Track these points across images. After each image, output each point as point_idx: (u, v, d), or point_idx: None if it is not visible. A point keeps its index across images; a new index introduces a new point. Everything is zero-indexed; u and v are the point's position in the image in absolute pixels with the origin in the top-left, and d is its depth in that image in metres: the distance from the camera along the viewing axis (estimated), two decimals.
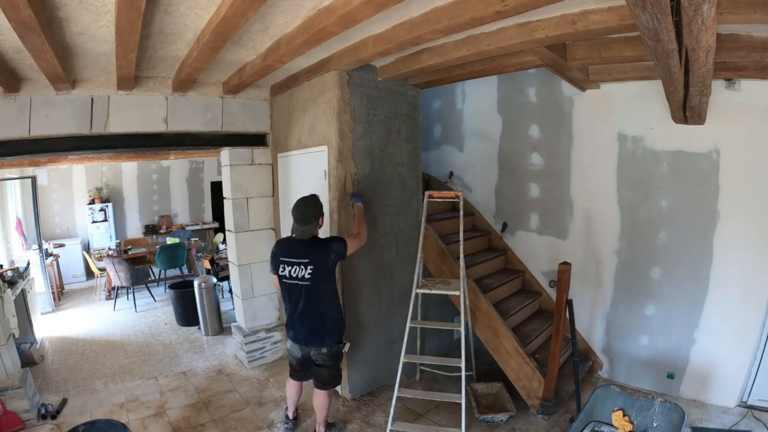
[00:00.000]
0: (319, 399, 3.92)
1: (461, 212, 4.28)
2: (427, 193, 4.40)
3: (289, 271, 3.55)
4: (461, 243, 4.16)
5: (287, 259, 3.57)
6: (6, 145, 4.10)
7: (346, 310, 4.46)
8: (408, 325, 4.14)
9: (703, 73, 2.58)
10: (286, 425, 4.17)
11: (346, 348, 3.90)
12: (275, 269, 3.66)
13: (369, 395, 4.76)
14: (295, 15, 2.98)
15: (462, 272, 4.21)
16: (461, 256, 4.19)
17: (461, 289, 4.20)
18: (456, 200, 4.46)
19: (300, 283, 3.55)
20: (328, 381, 3.85)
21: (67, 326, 7.21)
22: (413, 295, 4.25)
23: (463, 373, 3.93)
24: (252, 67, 4.07)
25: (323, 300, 3.64)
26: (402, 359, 4.08)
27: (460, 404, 3.84)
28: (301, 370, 3.92)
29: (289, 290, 3.64)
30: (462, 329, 4.12)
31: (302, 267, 3.52)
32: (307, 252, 3.54)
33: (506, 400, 4.47)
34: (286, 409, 4.21)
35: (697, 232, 4.34)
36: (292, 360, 3.91)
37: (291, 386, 4.06)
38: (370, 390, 4.82)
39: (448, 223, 5.45)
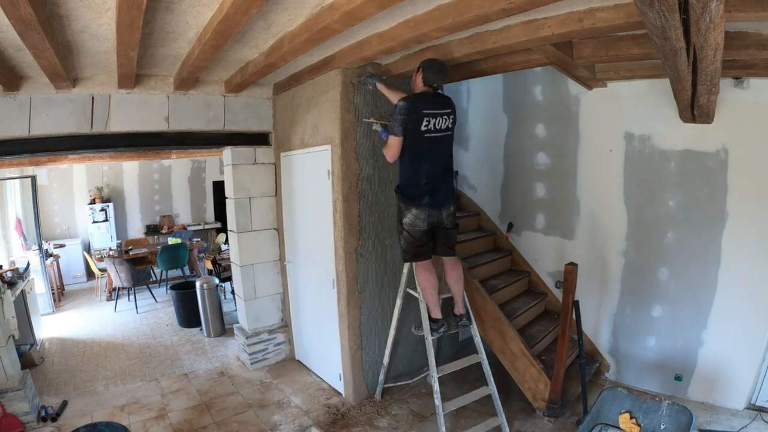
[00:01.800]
0: (458, 269, 3.90)
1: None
2: None
3: (434, 124, 3.47)
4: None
5: (432, 110, 3.46)
6: (6, 145, 4.08)
7: (349, 309, 4.44)
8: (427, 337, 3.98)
9: (711, 72, 2.55)
10: (443, 328, 3.96)
11: None
12: (415, 124, 3.43)
13: (371, 398, 4.72)
14: (299, 12, 2.96)
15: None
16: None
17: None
18: None
19: (444, 134, 3.55)
20: (451, 246, 3.83)
21: (67, 327, 7.18)
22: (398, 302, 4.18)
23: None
24: (254, 66, 4.04)
25: (451, 153, 3.73)
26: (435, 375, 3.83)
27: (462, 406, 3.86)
28: (426, 243, 3.74)
29: (432, 146, 3.54)
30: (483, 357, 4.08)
31: (445, 117, 3.53)
32: (446, 102, 3.59)
33: None
34: (429, 315, 3.93)
35: (705, 232, 4.30)
36: (419, 235, 3.67)
37: (429, 273, 3.83)
38: (373, 393, 4.77)
39: None
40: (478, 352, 4.05)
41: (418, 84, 3.59)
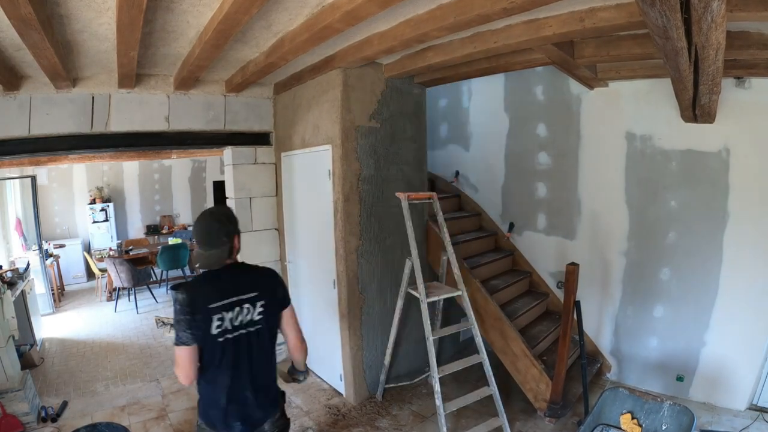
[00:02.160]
0: None
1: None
2: (406, 195, 4.09)
3: (231, 320, 2.23)
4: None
5: (225, 302, 2.22)
6: (6, 144, 4.06)
7: (349, 310, 4.43)
8: (429, 338, 3.96)
9: (713, 71, 2.55)
10: None
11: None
12: (203, 326, 2.16)
13: (372, 399, 4.70)
14: (299, 12, 2.96)
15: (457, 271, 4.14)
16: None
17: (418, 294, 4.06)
18: (429, 201, 4.34)
19: (249, 330, 2.30)
20: None
21: (67, 328, 7.16)
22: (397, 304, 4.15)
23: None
24: (255, 65, 4.04)
25: (270, 354, 2.49)
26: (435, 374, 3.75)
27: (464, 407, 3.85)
28: None
29: (226, 352, 2.24)
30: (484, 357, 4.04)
31: (249, 306, 2.30)
32: (254, 282, 2.37)
33: None
34: None
35: (707, 232, 4.29)
36: None
37: None
38: (374, 393, 4.75)
39: (453, 223, 5.40)
40: (479, 351, 4.02)
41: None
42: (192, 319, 2.14)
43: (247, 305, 2.29)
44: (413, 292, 4.14)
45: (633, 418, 3.16)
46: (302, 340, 2.60)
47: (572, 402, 4.33)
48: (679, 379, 4.52)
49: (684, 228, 4.43)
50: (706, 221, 4.28)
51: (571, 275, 3.91)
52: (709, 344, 4.36)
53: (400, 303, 4.43)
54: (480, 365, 4.04)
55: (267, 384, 2.45)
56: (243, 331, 2.28)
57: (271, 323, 2.41)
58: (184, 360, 2.17)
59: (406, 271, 4.29)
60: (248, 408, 2.33)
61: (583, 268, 4.14)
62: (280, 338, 2.50)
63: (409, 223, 3.99)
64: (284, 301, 2.48)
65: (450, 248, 4.17)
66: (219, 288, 2.24)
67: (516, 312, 4.82)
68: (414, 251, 4.00)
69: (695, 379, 4.46)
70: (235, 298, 2.25)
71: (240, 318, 2.26)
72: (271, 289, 2.41)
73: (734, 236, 4.16)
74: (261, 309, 2.33)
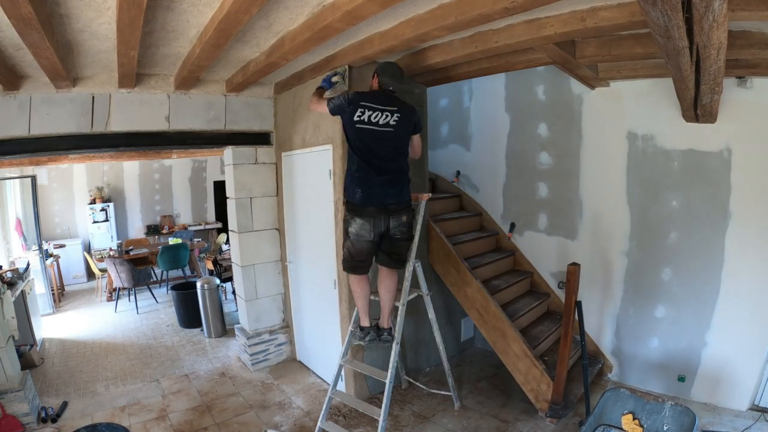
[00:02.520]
0: (393, 279, 3.71)
1: (420, 215, 3.94)
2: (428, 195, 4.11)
3: (371, 116, 3.33)
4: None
5: (373, 105, 3.35)
6: (6, 144, 4.06)
7: (350, 310, 4.41)
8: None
9: (715, 71, 2.54)
10: (368, 337, 3.80)
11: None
12: (349, 114, 3.33)
13: (375, 399, 4.67)
14: (300, 12, 2.96)
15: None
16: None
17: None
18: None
19: (383, 129, 3.38)
20: (404, 257, 3.70)
21: (67, 328, 7.16)
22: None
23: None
24: (256, 65, 4.03)
25: (401, 152, 3.53)
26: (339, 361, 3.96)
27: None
28: (370, 257, 3.60)
29: (366, 137, 3.37)
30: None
31: (388, 114, 3.37)
32: (395, 102, 3.45)
33: None
34: (357, 321, 3.89)
35: (709, 232, 4.27)
36: (362, 244, 3.48)
37: (363, 282, 3.69)
38: (376, 394, 4.74)
39: (455, 223, 5.39)
40: (388, 369, 3.67)
41: (373, 85, 3.60)
42: (344, 103, 3.34)
43: (386, 113, 3.38)
44: (417, 291, 4.17)
45: (634, 419, 3.16)
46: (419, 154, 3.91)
47: (573, 402, 4.31)
48: (681, 379, 4.51)
49: (685, 228, 4.41)
50: (708, 221, 4.27)
51: (572, 275, 3.89)
52: (711, 344, 4.34)
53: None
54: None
55: (396, 181, 3.49)
56: (378, 129, 3.37)
57: (400, 133, 3.47)
58: (317, 107, 3.61)
59: (407, 274, 4.17)
60: (373, 188, 3.38)
61: (585, 268, 4.12)
62: None
63: (418, 227, 3.91)
64: (416, 127, 3.63)
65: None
66: (372, 97, 3.40)
67: (517, 312, 4.80)
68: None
69: (697, 380, 4.44)
70: (378, 106, 3.36)
71: (379, 119, 3.36)
72: (409, 113, 3.51)
73: (736, 236, 4.14)
74: (395, 119, 3.41)
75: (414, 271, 3.90)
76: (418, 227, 3.87)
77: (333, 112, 3.44)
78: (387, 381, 3.61)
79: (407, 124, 3.49)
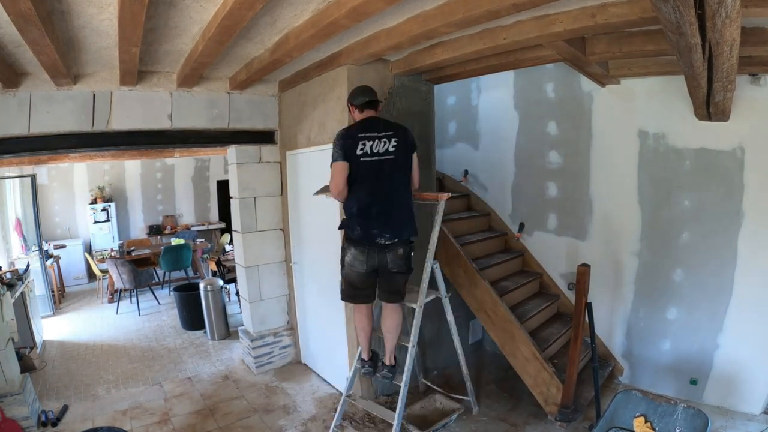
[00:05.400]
0: (393, 318, 3.60)
1: (439, 215, 3.78)
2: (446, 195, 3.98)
3: (370, 147, 3.23)
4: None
5: (368, 134, 3.25)
6: (5, 143, 4.01)
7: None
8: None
9: (727, 68, 2.49)
10: (364, 369, 3.80)
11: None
12: (351, 149, 3.22)
13: (378, 402, 4.60)
14: (305, 8, 2.93)
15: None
16: None
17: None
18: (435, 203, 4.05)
19: (384, 158, 3.26)
20: (402, 290, 3.54)
21: (68, 330, 7.11)
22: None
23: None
24: (260, 62, 4.00)
25: (404, 181, 3.39)
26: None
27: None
28: (366, 287, 3.51)
29: (367, 170, 3.26)
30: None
31: (386, 140, 3.26)
32: (390, 126, 3.34)
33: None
34: (360, 351, 3.85)
35: (721, 232, 4.22)
36: (356, 276, 3.44)
37: (361, 315, 3.64)
38: (381, 395, 4.69)
39: (463, 223, 5.34)
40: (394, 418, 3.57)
41: (355, 116, 3.50)
42: (344, 143, 3.23)
43: (384, 139, 3.27)
44: (436, 294, 4.07)
45: (646, 422, 3.14)
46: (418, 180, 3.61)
47: (584, 406, 4.26)
48: (693, 382, 4.45)
49: (698, 228, 4.36)
50: (721, 221, 4.21)
51: (582, 276, 3.85)
52: (724, 347, 4.29)
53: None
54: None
55: (399, 213, 3.35)
56: (379, 159, 3.26)
57: (400, 159, 3.33)
58: (338, 173, 3.24)
59: (425, 276, 4.01)
60: (372, 221, 3.28)
61: (595, 269, 4.06)
62: None
63: (437, 227, 3.78)
64: (413, 146, 3.46)
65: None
66: (365, 126, 3.31)
67: (526, 314, 4.76)
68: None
69: (709, 383, 4.39)
70: (375, 134, 3.26)
71: (379, 147, 3.26)
72: (403, 135, 3.36)
73: (749, 236, 4.08)
74: (393, 144, 3.29)
75: (432, 272, 3.81)
76: (437, 228, 3.75)
77: (343, 159, 3.24)
78: (402, 384, 3.56)
79: (405, 146, 3.36)
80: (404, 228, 3.37)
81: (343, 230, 3.46)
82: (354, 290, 3.53)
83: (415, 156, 3.47)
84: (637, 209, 4.70)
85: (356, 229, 3.31)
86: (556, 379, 4.13)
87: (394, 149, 3.27)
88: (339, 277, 4.39)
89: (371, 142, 3.23)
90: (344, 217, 3.43)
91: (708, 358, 4.37)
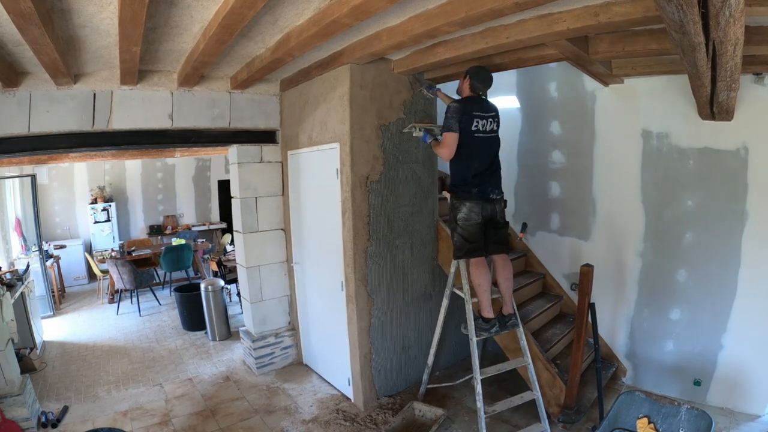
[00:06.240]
0: (507, 266, 4.01)
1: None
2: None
3: (482, 125, 3.71)
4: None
5: (480, 113, 3.70)
6: (5, 143, 4.00)
7: (358, 312, 4.34)
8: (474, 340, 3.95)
9: (731, 68, 2.48)
10: (494, 329, 3.99)
11: None
12: (467, 124, 3.65)
13: (380, 403, 4.60)
14: (306, 6, 2.91)
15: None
16: None
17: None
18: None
19: (490, 135, 3.79)
20: (508, 241, 4.01)
21: (68, 331, 7.10)
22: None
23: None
24: (261, 61, 3.98)
25: (498, 152, 3.91)
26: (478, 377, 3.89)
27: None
28: (480, 239, 3.80)
29: (480, 145, 3.74)
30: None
31: (491, 120, 3.77)
32: (491, 106, 3.83)
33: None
34: (480, 313, 4.03)
35: (725, 233, 4.20)
36: (474, 229, 3.77)
37: (482, 268, 3.90)
38: (383, 396, 4.67)
39: None
40: (524, 355, 4.06)
41: (465, 90, 3.80)
42: (462, 118, 3.64)
43: (490, 119, 3.78)
44: (459, 293, 4.17)
45: (650, 423, 3.12)
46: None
47: (587, 407, 4.23)
48: (697, 383, 4.43)
49: (701, 228, 4.34)
50: (724, 221, 4.19)
51: (585, 277, 3.84)
52: (727, 347, 4.27)
53: (445, 303, 4.43)
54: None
55: (498, 177, 3.90)
56: (488, 135, 3.77)
57: (497, 135, 3.88)
58: (452, 143, 3.65)
59: (452, 270, 4.32)
60: (486, 184, 3.78)
61: (598, 269, 4.06)
62: None
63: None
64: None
65: None
66: (478, 105, 3.73)
67: (529, 315, 4.73)
68: None
69: (713, 384, 4.37)
70: (485, 114, 3.75)
71: (487, 126, 3.75)
72: (498, 114, 3.90)
73: (753, 236, 4.06)
74: (496, 124, 3.85)
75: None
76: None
77: (459, 131, 3.66)
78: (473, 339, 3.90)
79: (499, 126, 3.90)
80: (502, 188, 3.93)
81: (453, 191, 3.87)
82: (471, 244, 3.79)
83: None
84: (640, 209, 4.67)
85: (473, 189, 3.74)
86: (558, 380, 4.11)
87: (497, 127, 3.86)
88: (343, 276, 4.43)
89: (483, 121, 3.71)
90: (452, 182, 3.91)
91: (712, 358, 4.35)
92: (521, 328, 4.05)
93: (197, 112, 4.77)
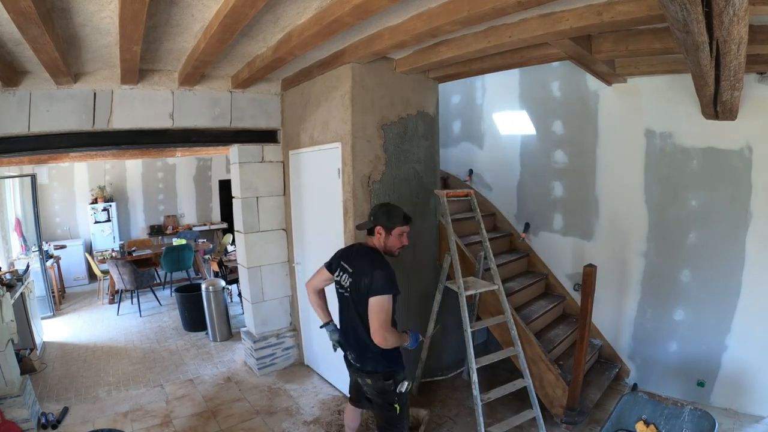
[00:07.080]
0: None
1: (478, 212, 4.18)
2: (443, 192, 4.19)
3: (340, 277, 3.11)
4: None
5: (341, 263, 3.15)
6: (5, 142, 3.98)
7: None
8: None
9: (735, 67, 2.46)
10: None
11: (404, 388, 3.07)
12: (332, 270, 3.20)
13: None
14: (308, 5, 2.90)
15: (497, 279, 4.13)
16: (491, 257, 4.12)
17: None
18: (467, 199, 4.30)
19: (344, 293, 3.10)
20: (381, 426, 3.18)
21: (68, 331, 7.07)
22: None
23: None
24: (262, 60, 3.96)
25: (364, 320, 2.95)
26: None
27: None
28: (355, 394, 3.43)
29: (338, 298, 3.20)
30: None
31: (347, 276, 3.06)
32: (355, 261, 3.07)
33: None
34: None
35: (729, 232, 4.19)
36: (351, 378, 3.45)
37: (346, 410, 3.66)
38: None
39: (468, 223, 5.29)
40: (515, 344, 4.06)
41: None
42: (333, 259, 3.27)
43: (346, 274, 3.09)
44: (451, 286, 4.14)
45: (648, 425, 3.09)
46: (375, 332, 2.87)
47: (590, 408, 4.23)
48: (700, 384, 4.42)
49: (705, 228, 4.32)
50: (728, 221, 4.18)
51: (588, 277, 3.83)
52: (731, 348, 4.26)
53: (438, 297, 4.42)
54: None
55: (360, 348, 3.09)
56: (342, 292, 3.13)
57: (355, 297, 3.01)
58: (317, 274, 3.34)
59: (445, 266, 4.30)
60: (344, 345, 3.28)
61: (601, 269, 4.05)
62: None
63: (448, 219, 4.03)
64: (367, 291, 2.90)
65: (487, 243, 4.19)
66: (346, 254, 3.22)
67: (531, 315, 4.73)
68: (453, 246, 4.02)
69: (717, 384, 4.36)
70: (345, 265, 3.12)
71: (344, 281, 3.09)
72: (360, 272, 2.97)
73: (757, 236, 4.05)
74: (349, 283, 3.04)
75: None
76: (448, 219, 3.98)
77: (327, 268, 3.29)
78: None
79: (358, 289, 2.98)
80: (368, 361, 3.09)
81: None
82: (349, 389, 3.56)
83: (374, 300, 2.85)
84: (643, 209, 4.66)
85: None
86: (561, 381, 4.09)
87: (349, 287, 3.06)
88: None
89: (342, 273, 3.12)
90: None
91: (715, 359, 4.34)
92: (511, 320, 4.03)
93: (198, 112, 4.75)
